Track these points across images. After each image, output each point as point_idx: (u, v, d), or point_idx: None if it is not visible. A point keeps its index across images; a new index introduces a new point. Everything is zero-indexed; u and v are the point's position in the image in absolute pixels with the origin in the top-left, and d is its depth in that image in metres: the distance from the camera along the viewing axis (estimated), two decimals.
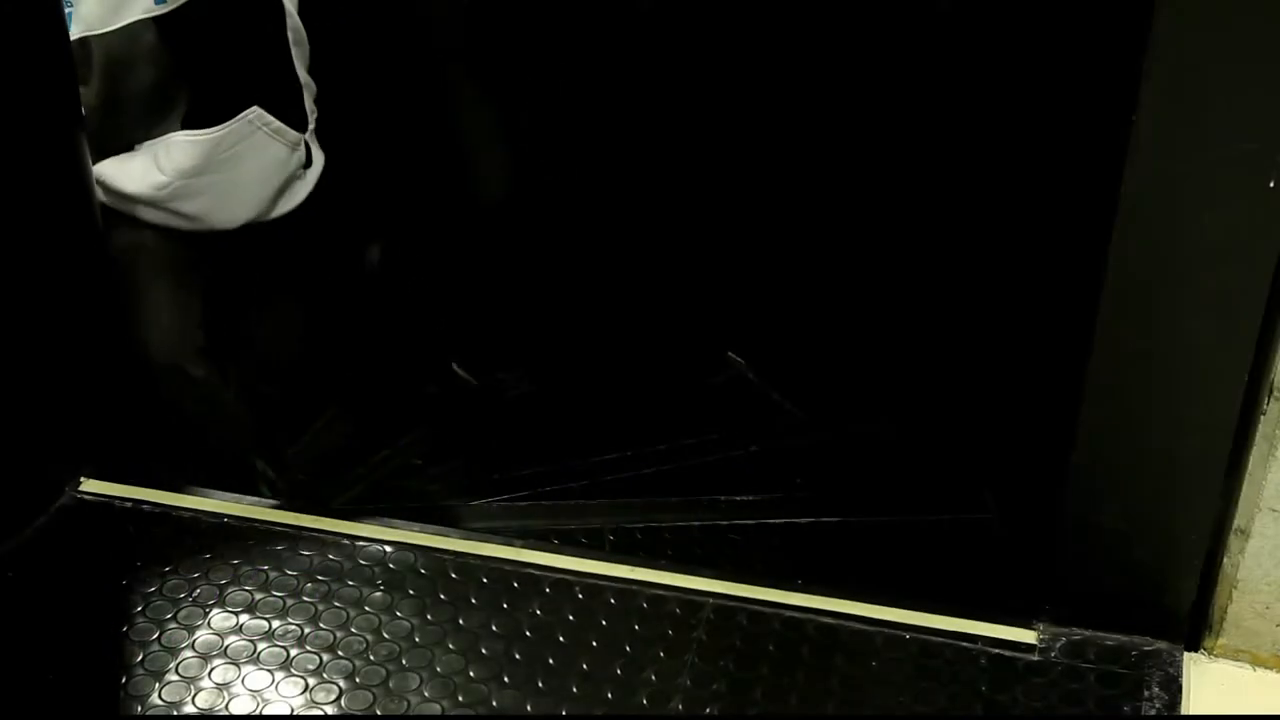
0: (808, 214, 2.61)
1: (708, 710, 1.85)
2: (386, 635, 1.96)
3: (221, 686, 1.89)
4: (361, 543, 2.11)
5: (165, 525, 2.15)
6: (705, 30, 2.59)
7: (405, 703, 1.87)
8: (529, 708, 1.86)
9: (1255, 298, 1.64)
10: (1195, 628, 1.91)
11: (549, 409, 2.62)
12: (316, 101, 2.42)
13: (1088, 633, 1.92)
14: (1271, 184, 1.56)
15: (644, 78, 2.66)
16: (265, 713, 1.86)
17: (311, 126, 2.38)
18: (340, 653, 1.94)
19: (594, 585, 2.04)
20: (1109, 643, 1.90)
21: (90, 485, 2.23)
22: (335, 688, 1.89)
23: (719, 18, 2.56)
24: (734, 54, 2.57)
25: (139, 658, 1.93)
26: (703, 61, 2.61)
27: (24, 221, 2.10)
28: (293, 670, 1.92)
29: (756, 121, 2.62)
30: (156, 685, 1.89)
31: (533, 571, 2.06)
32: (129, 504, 2.19)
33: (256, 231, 2.41)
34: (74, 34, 2.26)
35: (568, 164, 2.77)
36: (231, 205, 2.32)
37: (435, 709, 1.86)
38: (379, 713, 1.85)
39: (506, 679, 1.90)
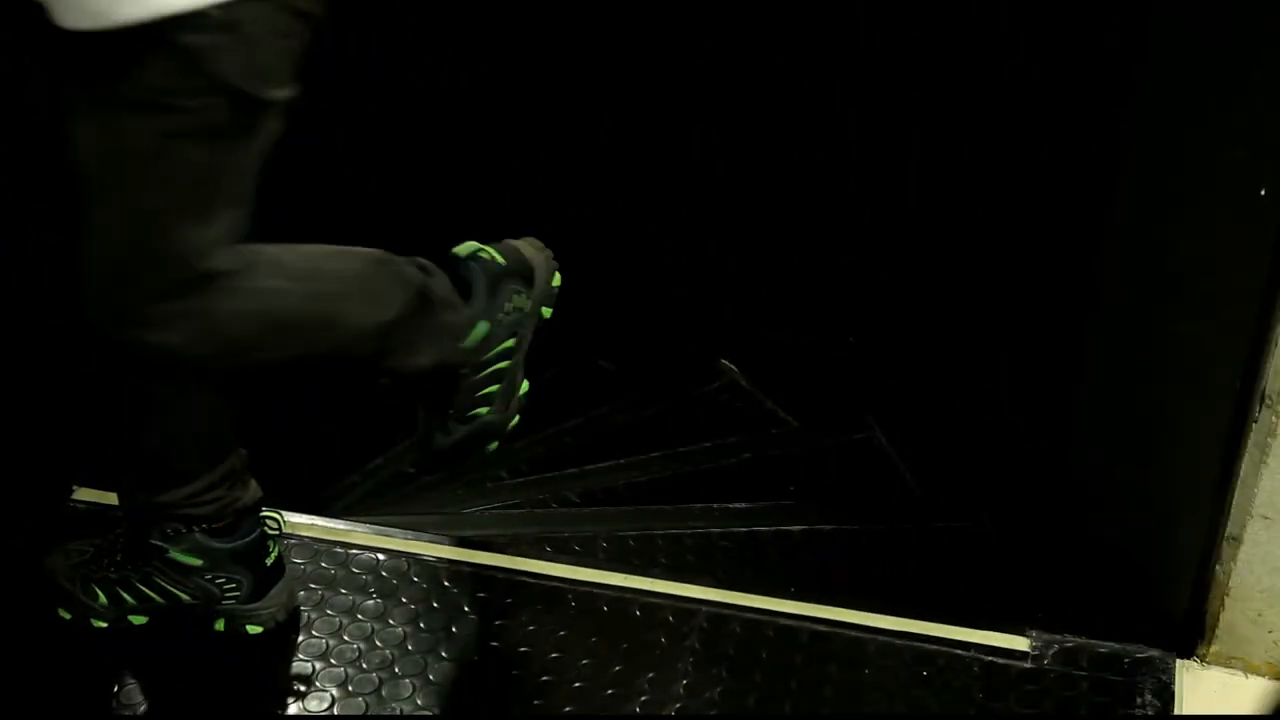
0: (804, 222, 2.61)
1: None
2: (379, 643, 1.96)
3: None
4: (354, 550, 2.11)
5: None
6: (703, 31, 2.60)
7: (398, 710, 1.87)
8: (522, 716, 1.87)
9: (1247, 306, 1.64)
10: (1188, 635, 1.92)
11: (544, 415, 2.62)
12: None
13: (1081, 640, 1.92)
14: (1263, 192, 1.56)
15: (646, 79, 2.66)
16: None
17: None
18: (333, 660, 1.93)
19: (587, 593, 2.04)
20: (1102, 650, 1.91)
21: (83, 494, 2.22)
22: (328, 696, 1.89)
23: (715, 17, 2.56)
24: (735, 55, 2.57)
25: (130, 667, 1.93)
26: (707, 64, 2.62)
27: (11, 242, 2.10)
28: (286, 678, 1.91)
29: (757, 125, 2.62)
30: (148, 695, 1.89)
31: (526, 580, 2.06)
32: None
33: None
34: None
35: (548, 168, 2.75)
36: None
37: (429, 716, 1.86)
38: None
39: (499, 688, 1.90)
